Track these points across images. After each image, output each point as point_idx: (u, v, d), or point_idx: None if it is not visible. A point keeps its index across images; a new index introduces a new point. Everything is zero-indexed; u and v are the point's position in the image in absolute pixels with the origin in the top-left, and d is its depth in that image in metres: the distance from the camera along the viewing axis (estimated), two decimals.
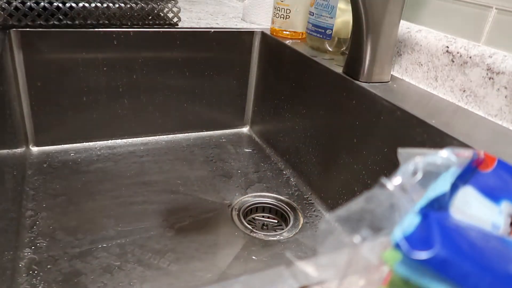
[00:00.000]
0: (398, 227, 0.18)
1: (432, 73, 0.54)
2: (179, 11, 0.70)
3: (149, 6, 0.67)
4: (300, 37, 0.74)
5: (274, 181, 0.69)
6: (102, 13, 0.64)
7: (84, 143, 0.71)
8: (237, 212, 0.60)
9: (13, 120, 0.58)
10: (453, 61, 0.51)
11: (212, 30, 0.74)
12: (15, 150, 0.56)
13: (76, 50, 0.65)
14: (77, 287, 0.45)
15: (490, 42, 0.48)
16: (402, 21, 0.56)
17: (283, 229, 0.58)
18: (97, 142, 0.72)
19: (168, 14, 0.70)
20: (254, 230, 0.57)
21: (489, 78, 0.47)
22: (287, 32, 0.73)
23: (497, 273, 0.16)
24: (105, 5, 0.64)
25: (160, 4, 0.68)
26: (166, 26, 0.70)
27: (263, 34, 0.77)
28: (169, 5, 0.69)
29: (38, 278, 0.45)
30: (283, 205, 0.63)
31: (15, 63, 0.62)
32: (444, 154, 0.21)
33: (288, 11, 0.72)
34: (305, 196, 0.65)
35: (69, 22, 0.63)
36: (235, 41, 0.76)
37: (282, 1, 0.71)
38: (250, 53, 0.78)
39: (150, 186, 0.63)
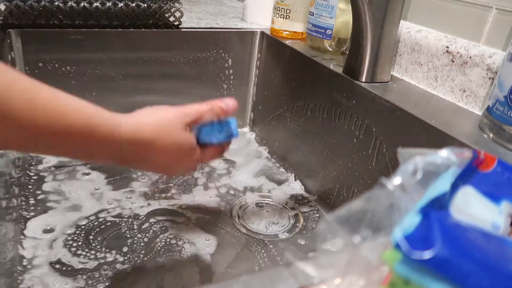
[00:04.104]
0: (398, 227, 0.18)
1: (432, 73, 0.54)
2: (181, 16, 0.70)
3: (151, 9, 0.67)
4: (300, 37, 0.74)
5: (274, 181, 0.69)
6: (103, 13, 0.64)
7: None
8: (237, 212, 0.60)
9: None
10: (453, 61, 0.51)
11: (212, 30, 0.74)
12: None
13: (76, 50, 0.65)
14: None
15: (490, 42, 0.48)
16: (402, 21, 0.56)
17: (283, 229, 0.58)
18: None
19: (170, 18, 0.70)
20: (254, 230, 0.57)
21: (489, 78, 0.47)
22: (287, 32, 0.73)
23: (497, 273, 0.16)
24: (106, 6, 0.64)
25: (162, 7, 0.68)
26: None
27: (263, 34, 0.77)
28: (172, 10, 0.69)
29: (38, 278, 0.45)
30: (283, 204, 0.63)
31: (15, 63, 0.62)
32: (444, 154, 0.21)
33: (288, 11, 0.72)
34: (305, 197, 0.65)
35: (69, 22, 0.63)
36: (235, 41, 0.76)
37: (282, 1, 0.71)
38: (250, 53, 0.78)
39: (147, 188, 0.63)
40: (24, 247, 0.49)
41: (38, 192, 0.58)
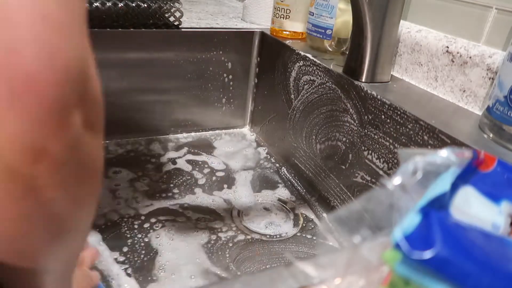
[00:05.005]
0: (398, 227, 0.18)
1: (432, 73, 0.54)
2: (181, 16, 0.70)
3: (151, 9, 0.67)
4: (300, 37, 0.74)
5: (274, 180, 0.69)
6: (103, 13, 0.64)
7: None
8: (237, 212, 0.60)
9: None
10: (453, 61, 0.51)
11: (212, 30, 0.74)
12: None
13: None
14: None
15: (490, 42, 0.48)
16: (402, 21, 0.56)
17: (283, 229, 0.58)
18: None
19: (170, 18, 0.70)
20: (254, 230, 0.57)
21: (489, 78, 0.47)
22: (287, 32, 0.73)
23: (497, 273, 0.16)
24: (106, 6, 0.64)
25: (162, 7, 0.68)
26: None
27: (263, 34, 0.77)
28: (172, 10, 0.69)
29: None
30: (283, 205, 0.63)
31: None
32: (444, 154, 0.21)
33: (288, 11, 0.72)
34: (305, 196, 0.65)
35: None
36: (235, 41, 0.76)
37: (282, 1, 0.71)
38: (250, 53, 0.78)
39: (147, 187, 0.63)
40: None
41: None
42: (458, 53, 0.50)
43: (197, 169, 0.69)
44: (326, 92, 0.60)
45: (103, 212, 0.56)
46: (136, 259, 0.49)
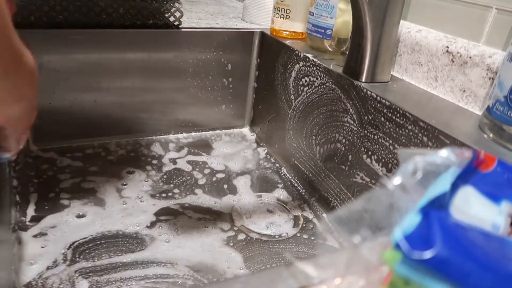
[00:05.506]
0: (398, 227, 0.18)
1: (432, 73, 0.54)
2: (181, 16, 0.70)
3: (151, 9, 0.67)
4: (300, 37, 0.74)
5: (274, 181, 0.69)
6: (103, 13, 0.64)
7: (85, 143, 0.71)
8: (237, 212, 0.60)
9: None
10: (453, 61, 0.51)
11: (212, 30, 0.74)
12: None
13: (77, 50, 0.65)
14: None
15: (490, 42, 0.48)
16: (402, 21, 0.56)
17: (283, 229, 0.58)
18: (97, 142, 0.72)
19: (170, 18, 0.70)
20: (254, 230, 0.57)
21: (489, 78, 0.47)
22: (287, 32, 0.73)
23: (497, 273, 0.16)
24: (106, 5, 0.64)
25: (162, 7, 0.68)
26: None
27: (263, 34, 0.77)
28: (172, 10, 0.69)
29: (40, 282, 0.45)
30: (283, 205, 0.63)
31: None
32: (444, 154, 0.21)
33: (288, 11, 0.72)
34: (305, 196, 0.65)
35: (69, 22, 0.63)
36: (235, 41, 0.76)
37: (282, 1, 0.71)
38: (250, 53, 0.78)
39: (149, 187, 0.63)
40: (27, 244, 0.49)
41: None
42: (458, 53, 0.50)
43: (197, 169, 0.69)
44: (326, 92, 0.60)
45: (110, 209, 0.56)
46: (137, 258, 0.49)
